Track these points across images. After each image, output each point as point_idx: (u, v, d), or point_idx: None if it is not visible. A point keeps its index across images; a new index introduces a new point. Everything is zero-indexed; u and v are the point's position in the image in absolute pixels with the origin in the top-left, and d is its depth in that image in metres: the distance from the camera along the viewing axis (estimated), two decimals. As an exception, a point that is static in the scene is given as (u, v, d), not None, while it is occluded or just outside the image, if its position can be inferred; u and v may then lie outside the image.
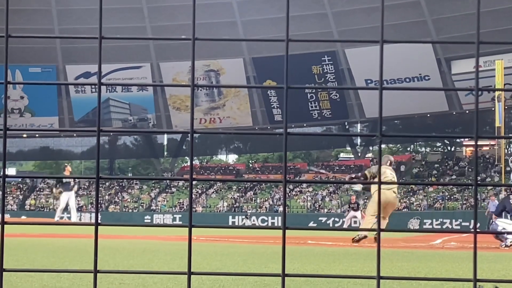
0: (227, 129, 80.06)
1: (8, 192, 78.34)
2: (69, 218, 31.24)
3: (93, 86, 78.09)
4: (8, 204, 76.03)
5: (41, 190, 79.20)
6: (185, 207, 72.61)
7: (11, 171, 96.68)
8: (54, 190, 31.54)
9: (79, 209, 73.80)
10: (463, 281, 1.37)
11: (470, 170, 71.63)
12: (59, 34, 59.40)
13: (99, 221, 1.48)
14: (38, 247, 12.82)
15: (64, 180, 29.96)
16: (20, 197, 78.07)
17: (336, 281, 6.93)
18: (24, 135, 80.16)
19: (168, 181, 78.80)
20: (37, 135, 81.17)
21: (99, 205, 60.41)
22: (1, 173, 1.49)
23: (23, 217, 58.23)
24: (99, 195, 76.24)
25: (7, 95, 73.89)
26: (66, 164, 36.28)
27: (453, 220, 58.69)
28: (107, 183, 79.25)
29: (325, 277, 1.41)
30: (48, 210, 74.22)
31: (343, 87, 1.52)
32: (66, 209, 30.64)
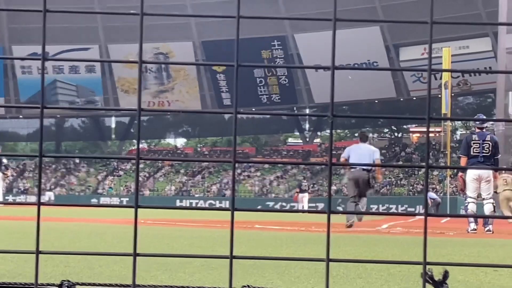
0: (175, 114, 79.85)
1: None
2: None
3: (39, 67, 76.98)
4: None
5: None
6: (132, 191, 72.19)
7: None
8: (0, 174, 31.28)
9: (25, 192, 73.09)
10: (413, 264, 1.35)
11: (416, 156, 72.38)
12: (6, 14, 58.51)
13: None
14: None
15: None
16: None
17: (283, 265, 6.94)
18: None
19: (115, 164, 78.22)
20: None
21: (44, 187, 59.50)
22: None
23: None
24: (45, 178, 75.41)
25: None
26: None
27: (399, 206, 59.34)
28: (53, 166, 78.40)
29: (275, 259, 1.38)
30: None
31: (295, 66, 1.49)
32: None
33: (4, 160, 30.93)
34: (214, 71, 76.20)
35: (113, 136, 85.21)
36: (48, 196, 62.35)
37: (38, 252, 1.32)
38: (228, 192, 69.78)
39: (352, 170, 18.00)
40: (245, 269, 6.63)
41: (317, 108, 77.24)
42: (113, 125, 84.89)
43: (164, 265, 6.59)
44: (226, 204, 63.64)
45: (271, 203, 63.36)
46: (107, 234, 12.52)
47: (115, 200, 67.44)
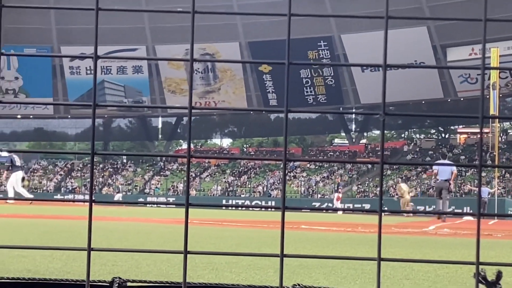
0: (222, 113, 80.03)
1: (1, 173, 78.26)
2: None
3: (88, 68, 77.81)
4: (2, 185, 75.92)
5: (35, 171, 79.07)
6: (178, 191, 72.55)
7: (4, 152, 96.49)
8: (5, 172, 31.90)
9: (72, 191, 73.93)
10: (466, 264, 1.33)
11: (464, 157, 71.63)
12: (55, 15, 59.38)
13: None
14: (29, 227, 12.77)
15: (7, 163, 30.84)
16: (13, 178, 77.93)
17: (330, 266, 6.91)
18: (19, 116, 79.92)
19: (162, 164, 78.67)
20: (31, 116, 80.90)
21: (93, 188, 60.46)
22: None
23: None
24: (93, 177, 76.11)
25: None
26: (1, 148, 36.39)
27: (446, 207, 58.73)
28: (101, 165, 79.16)
29: (326, 258, 1.37)
30: (41, 191, 74.17)
31: (346, 64, 1.48)
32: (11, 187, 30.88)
33: (17, 161, 31.44)
34: (261, 72, 76.27)
35: (160, 136, 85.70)
36: (117, 197, 62.89)
37: (89, 249, 1.33)
38: (274, 192, 69.78)
39: (439, 181, 25.23)
40: (292, 269, 6.63)
41: (363, 108, 76.89)
42: (160, 125, 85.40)
43: (211, 264, 6.60)
44: (272, 204, 63.66)
45: (317, 204, 63.25)
46: (153, 234, 12.59)
47: (162, 200, 67.84)
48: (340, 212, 42.54)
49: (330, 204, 61.27)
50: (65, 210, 24.92)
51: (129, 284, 1.76)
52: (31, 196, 33.61)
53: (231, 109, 1.47)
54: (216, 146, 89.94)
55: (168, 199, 67.84)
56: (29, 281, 1.74)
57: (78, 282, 1.72)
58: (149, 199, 68.57)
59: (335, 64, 1.48)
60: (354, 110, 79.11)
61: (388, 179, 69.60)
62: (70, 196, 70.64)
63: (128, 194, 72.12)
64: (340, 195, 53.07)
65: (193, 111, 1.45)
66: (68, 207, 32.31)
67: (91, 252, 1.38)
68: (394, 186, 67.12)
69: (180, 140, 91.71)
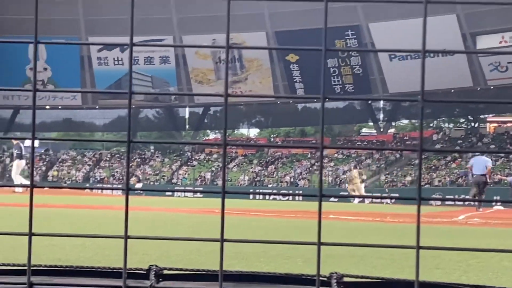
0: (249, 103, 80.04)
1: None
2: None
3: (115, 59, 78.12)
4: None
5: (64, 161, 79.64)
6: (206, 180, 72.73)
7: (36, 142, 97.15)
8: (17, 160, 32.14)
9: (101, 181, 74.38)
10: (509, 252, 1.32)
11: (494, 146, 71.14)
12: (83, 6, 59.59)
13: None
14: (58, 216, 12.86)
15: (16, 151, 31.21)
16: (43, 168, 78.55)
17: (359, 255, 6.90)
18: (47, 107, 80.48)
19: (189, 154, 78.88)
20: (59, 107, 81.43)
21: (121, 177, 60.37)
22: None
23: (46, 189, 58.58)
24: (120, 167, 76.57)
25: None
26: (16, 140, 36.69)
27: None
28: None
29: (364, 246, 1.36)
30: (70, 181, 74.69)
31: (383, 50, 1.46)
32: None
33: (23, 150, 31.71)
34: (288, 61, 76.19)
35: (187, 126, 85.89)
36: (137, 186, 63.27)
37: (126, 237, 1.33)
38: (301, 182, 69.76)
39: (474, 176, 26.07)
40: (322, 259, 6.61)
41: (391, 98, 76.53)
42: (187, 116, 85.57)
43: (240, 254, 6.62)
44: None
45: (345, 193, 63.20)
46: (182, 224, 12.64)
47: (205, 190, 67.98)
48: (356, 201, 42.45)
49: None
50: (92, 199, 25.07)
51: (165, 272, 1.76)
52: (27, 182, 33.87)
53: (267, 96, 1.46)
54: (243, 136, 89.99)
55: (196, 188, 68.01)
56: (66, 268, 1.75)
57: (115, 270, 1.72)
58: (176, 189, 68.83)
59: (370, 50, 1.47)
60: (393, 98, 78.92)
61: (417, 168, 69.27)
62: (99, 186, 71.02)
63: (156, 184, 72.41)
64: (362, 184, 52.87)
65: (221, 100, 1.44)
66: (96, 196, 32.49)
67: (125, 240, 1.38)
68: (422, 175, 66.81)
69: (207, 130, 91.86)
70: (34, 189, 1.42)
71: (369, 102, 78.59)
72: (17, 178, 30.97)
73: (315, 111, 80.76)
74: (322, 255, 5.32)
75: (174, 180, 73.66)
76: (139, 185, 63.53)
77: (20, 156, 31.44)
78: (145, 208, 18.56)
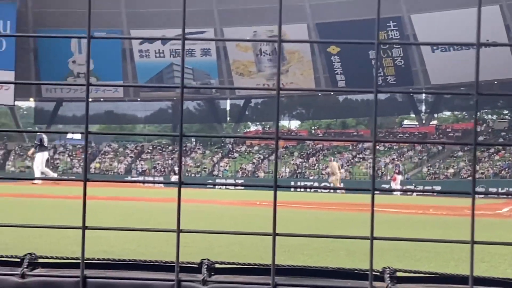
0: (290, 95, 79.89)
1: (74, 155, 79.67)
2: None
3: (157, 51, 78.49)
4: (74, 167, 77.32)
5: (106, 153, 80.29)
6: (247, 172, 72.85)
7: (76, 134, 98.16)
8: (29, 152, 32.22)
9: (142, 173, 74.88)
10: None
11: (537, 138, 70.30)
12: (126, 6, 59.91)
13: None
14: (103, 208, 12.95)
15: (39, 143, 31.26)
16: (86, 160, 79.24)
17: (403, 249, 6.86)
18: (90, 99, 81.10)
19: (230, 146, 79.03)
20: (101, 99, 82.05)
21: (162, 169, 60.61)
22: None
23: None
24: (162, 159, 77.00)
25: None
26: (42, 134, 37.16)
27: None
28: (170, 148, 80.00)
29: (419, 241, 1.35)
30: (112, 173, 75.29)
31: (435, 43, 1.44)
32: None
33: (45, 141, 31.82)
34: (329, 53, 75.92)
35: (228, 118, 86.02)
36: (174, 178, 63.56)
37: (179, 231, 1.34)
38: (342, 174, 69.55)
39: None
40: (364, 252, 6.60)
41: (433, 89, 75.90)
42: (228, 108, 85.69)
43: (283, 246, 6.62)
44: (341, 185, 63.42)
45: (386, 186, 62.89)
46: (224, 216, 12.68)
47: (230, 182, 68.18)
48: (398, 194, 42.28)
49: (401, 186, 60.88)
50: (133, 191, 25.23)
51: (217, 266, 1.76)
52: (55, 175, 34.00)
53: (319, 90, 1.45)
54: (284, 128, 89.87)
55: (237, 181, 68.16)
56: (119, 262, 1.76)
57: (167, 263, 1.73)
58: (217, 181, 68.99)
59: (424, 43, 1.46)
60: (417, 99, 78.45)
61: (459, 161, 68.77)
62: (140, 178, 71.48)
63: (197, 176, 72.67)
64: (398, 176, 52.73)
65: (262, 92, 1.44)
66: (137, 188, 32.69)
67: (171, 234, 1.38)
68: (465, 167, 66.25)
69: (248, 122, 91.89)
70: (75, 181, 1.42)
71: (411, 94, 78.03)
72: (39, 170, 31.04)
73: (356, 103, 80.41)
74: (364, 249, 5.34)
75: (215, 172, 73.88)
76: (175, 178, 63.78)
77: (43, 148, 31.58)
78: (187, 200, 18.62)
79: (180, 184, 1.36)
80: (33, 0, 77.21)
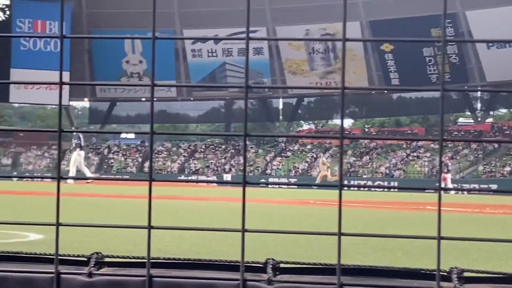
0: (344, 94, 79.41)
1: (128, 155, 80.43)
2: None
3: (209, 51, 78.84)
4: (128, 166, 78.07)
5: (159, 153, 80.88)
6: (300, 171, 72.76)
7: (130, 134, 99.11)
8: (77, 150, 32.48)
9: (196, 172, 75.29)
10: None
11: None
12: (179, 5, 60.34)
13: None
14: (159, 207, 13.03)
15: (75, 141, 31.44)
16: (139, 159, 79.96)
17: (460, 248, 6.78)
18: (143, 99, 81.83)
19: (283, 145, 79.03)
20: (155, 99, 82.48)
21: (215, 168, 60.85)
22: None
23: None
24: (215, 158, 77.32)
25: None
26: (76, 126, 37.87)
27: None
28: (222, 147, 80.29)
29: (483, 240, 1.33)
30: (166, 172, 75.82)
31: (493, 40, 1.42)
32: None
33: (82, 141, 31.98)
34: (382, 51, 75.42)
35: (281, 117, 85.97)
36: (225, 177, 63.77)
37: (244, 231, 1.34)
38: (396, 173, 69.10)
39: None
40: (421, 251, 6.54)
41: (489, 87, 74.92)
42: (281, 107, 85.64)
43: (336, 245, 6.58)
44: (395, 185, 62.87)
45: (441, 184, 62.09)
46: (275, 214, 12.68)
47: (283, 181, 68.24)
48: (452, 192, 41.85)
49: (454, 185, 60.23)
50: (186, 191, 25.37)
51: (282, 265, 1.76)
52: (91, 175, 34.20)
53: (384, 89, 1.44)
54: (337, 127, 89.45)
55: (290, 179, 68.12)
56: (184, 261, 1.77)
57: (232, 263, 1.74)
58: (270, 179, 69.05)
59: (482, 41, 1.44)
60: (472, 96, 77.58)
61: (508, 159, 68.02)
62: (194, 177, 71.83)
63: (250, 175, 72.76)
64: (448, 175, 52.21)
65: (315, 91, 1.43)
66: (190, 188, 32.89)
67: (245, 233, 1.38)
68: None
69: (301, 121, 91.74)
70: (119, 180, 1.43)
71: (466, 92, 77.11)
72: (79, 169, 31.24)
73: (409, 100, 79.72)
74: (421, 248, 5.28)
75: (268, 171, 73.92)
76: (227, 176, 63.99)
77: (79, 146, 31.81)
78: (234, 199, 18.66)
79: (245, 183, 1.36)
80: (87, 1, 78.13)
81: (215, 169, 74.96)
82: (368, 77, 76.38)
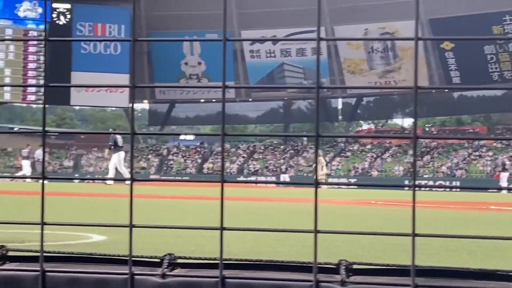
0: (403, 92, 78.84)
1: (187, 156, 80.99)
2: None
3: (267, 51, 78.95)
4: (187, 167, 78.59)
5: (218, 154, 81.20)
6: (360, 171, 72.38)
7: (189, 136, 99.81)
8: (106, 151, 32.54)
9: (255, 173, 75.42)
10: None
11: None
12: (236, 0, 60.72)
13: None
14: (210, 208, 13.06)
15: (113, 143, 31.53)
16: (199, 160, 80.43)
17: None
18: (202, 100, 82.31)
19: (343, 145, 78.72)
20: (213, 100, 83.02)
21: (274, 169, 60.97)
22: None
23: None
24: (274, 159, 77.37)
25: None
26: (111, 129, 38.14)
27: None
28: (282, 147, 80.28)
29: None
30: (225, 173, 76.04)
31: None
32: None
33: (120, 142, 32.02)
34: (442, 49, 74.52)
35: (340, 117, 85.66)
36: (282, 178, 63.83)
37: (316, 232, 1.33)
38: (458, 172, 68.27)
39: None
40: (486, 252, 6.46)
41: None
42: (340, 106, 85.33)
43: (401, 245, 6.54)
44: (457, 184, 62.13)
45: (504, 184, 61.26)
46: (336, 214, 12.64)
47: (343, 181, 68.04)
48: (504, 192, 41.06)
49: (507, 184, 59.23)
50: (244, 191, 25.40)
51: (355, 266, 1.75)
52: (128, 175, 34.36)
53: (456, 88, 1.42)
54: (397, 126, 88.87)
55: (349, 179, 67.79)
56: (257, 262, 1.77)
57: (304, 264, 1.73)
58: (329, 180, 68.80)
59: None
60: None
61: None
62: (252, 178, 71.93)
63: (309, 175, 72.58)
64: (505, 173, 51.32)
65: (373, 91, 1.41)
66: (249, 188, 32.94)
67: (319, 234, 1.38)
68: None
69: (360, 121, 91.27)
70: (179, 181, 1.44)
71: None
72: (123, 171, 31.38)
73: (471, 99, 78.66)
74: (486, 248, 5.20)
75: (327, 172, 73.75)
76: (284, 176, 63.88)
77: (119, 148, 31.95)
78: (294, 199, 18.64)
79: (317, 185, 1.36)
80: (145, 3, 78.84)
81: (274, 169, 74.99)
82: (429, 75, 75.56)
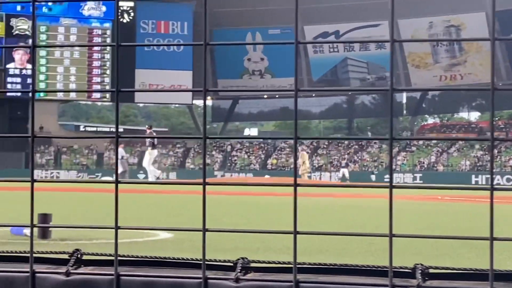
0: (469, 85, 77.75)
1: (251, 152, 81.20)
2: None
3: (331, 46, 78.66)
4: (251, 163, 78.82)
5: (282, 149, 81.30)
6: (425, 166, 71.69)
7: (253, 131, 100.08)
8: (149, 149, 32.53)
9: (319, 168, 75.25)
10: None
11: None
12: (300, 3, 60.64)
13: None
14: (275, 206, 13.08)
15: (149, 140, 31.58)
16: (263, 156, 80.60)
17: None
18: (265, 96, 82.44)
19: (408, 141, 78.04)
20: (277, 96, 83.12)
21: (339, 164, 60.72)
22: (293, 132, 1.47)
23: (266, 176, 60.07)
24: (338, 154, 77.11)
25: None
26: (148, 126, 38.09)
27: None
28: (346, 142, 79.94)
29: None
30: (288, 169, 76.11)
31: None
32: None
33: (155, 140, 32.01)
34: (510, 42, 73.23)
35: (404, 112, 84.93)
36: (342, 172, 63.56)
37: (391, 235, 1.31)
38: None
39: None
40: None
41: None
42: (404, 101, 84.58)
43: (469, 243, 6.45)
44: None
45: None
46: (403, 211, 12.52)
47: (408, 176, 67.48)
48: None
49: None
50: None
51: (431, 271, 1.73)
52: (158, 173, 34.24)
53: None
54: (463, 120, 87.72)
55: (415, 175, 67.21)
56: (330, 266, 1.76)
57: (379, 268, 1.71)
58: (395, 175, 68.23)
59: None
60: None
61: None
62: (316, 174, 71.78)
63: (375, 171, 72.20)
64: None
65: (440, 84, 1.38)
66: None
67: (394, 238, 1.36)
68: None
69: (426, 115, 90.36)
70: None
71: None
72: (151, 168, 31.51)
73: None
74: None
75: (393, 167, 73.18)
76: (344, 171, 63.40)
77: (152, 145, 32.08)
78: (359, 195, 18.54)
79: (391, 188, 1.34)
80: (208, 0, 79.33)
81: (338, 165, 74.75)
82: (495, 69, 74.26)
